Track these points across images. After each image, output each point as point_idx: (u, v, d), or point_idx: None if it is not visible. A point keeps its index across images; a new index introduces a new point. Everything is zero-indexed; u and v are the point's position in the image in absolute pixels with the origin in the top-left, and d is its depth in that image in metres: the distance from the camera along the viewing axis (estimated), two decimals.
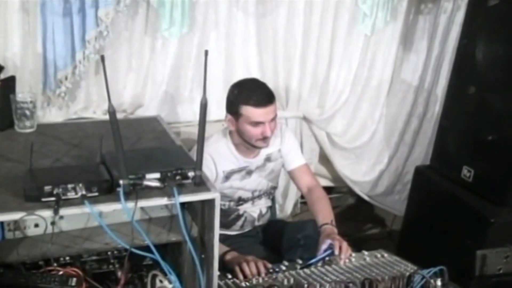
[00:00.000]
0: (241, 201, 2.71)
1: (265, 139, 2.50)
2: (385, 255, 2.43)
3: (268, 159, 2.69)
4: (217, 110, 2.88)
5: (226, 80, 3.09)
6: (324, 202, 2.66)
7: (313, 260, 2.32)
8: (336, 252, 2.33)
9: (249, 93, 2.47)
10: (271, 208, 2.92)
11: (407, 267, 2.31)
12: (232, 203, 2.69)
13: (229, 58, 3.18)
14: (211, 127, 2.63)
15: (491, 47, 2.79)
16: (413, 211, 3.31)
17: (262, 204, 2.81)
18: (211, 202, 1.76)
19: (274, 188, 2.84)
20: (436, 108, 3.75)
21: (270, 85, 3.23)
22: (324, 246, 2.37)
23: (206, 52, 1.70)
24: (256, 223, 2.81)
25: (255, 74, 3.17)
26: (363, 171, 3.89)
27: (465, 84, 2.93)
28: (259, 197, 2.75)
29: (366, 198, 3.93)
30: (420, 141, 3.91)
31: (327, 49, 3.41)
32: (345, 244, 2.36)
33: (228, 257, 2.36)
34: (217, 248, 1.83)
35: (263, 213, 2.82)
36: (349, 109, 3.67)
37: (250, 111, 2.44)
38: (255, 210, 2.78)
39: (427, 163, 3.31)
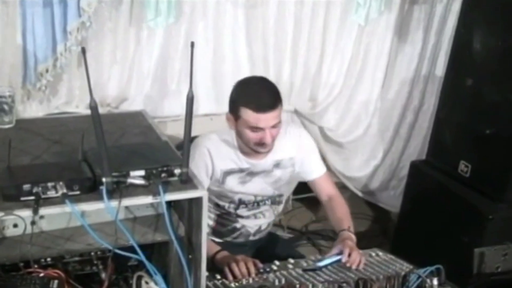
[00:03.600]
0: (242, 204, 2.54)
1: (263, 145, 2.35)
2: (380, 253, 2.40)
3: (277, 165, 2.52)
4: (206, 103, 2.83)
5: (215, 73, 3.04)
6: (344, 209, 2.55)
7: (319, 264, 2.25)
8: (344, 259, 2.26)
9: (251, 95, 2.30)
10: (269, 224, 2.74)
11: (403, 266, 2.27)
12: (232, 206, 2.54)
13: (218, 49, 3.12)
14: (199, 122, 2.54)
15: (488, 37, 2.77)
16: (408, 207, 3.30)
17: (264, 221, 2.65)
18: (198, 200, 1.71)
19: (280, 196, 2.66)
20: (432, 101, 3.72)
21: None
22: (335, 251, 2.31)
23: (192, 44, 1.63)
24: (251, 238, 2.66)
25: (244, 66, 3.14)
26: (357, 166, 3.87)
27: (462, 76, 2.91)
28: (262, 206, 2.58)
29: (360, 194, 3.92)
30: (415, 135, 3.89)
31: (319, 40, 3.37)
32: (355, 253, 2.28)
33: (219, 256, 2.28)
34: (205, 248, 1.78)
35: (262, 229, 2.67)
36: (342, 103, 3.63)
37: (249, 115, 2.27)
38: (253, 227, 2.63)
39: (423, 158, 3.29)
